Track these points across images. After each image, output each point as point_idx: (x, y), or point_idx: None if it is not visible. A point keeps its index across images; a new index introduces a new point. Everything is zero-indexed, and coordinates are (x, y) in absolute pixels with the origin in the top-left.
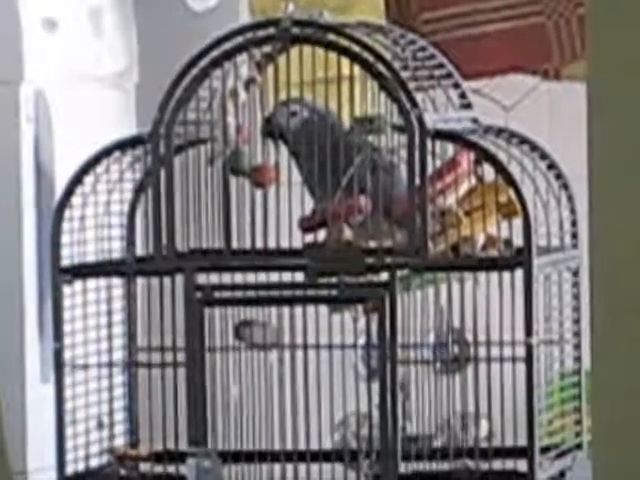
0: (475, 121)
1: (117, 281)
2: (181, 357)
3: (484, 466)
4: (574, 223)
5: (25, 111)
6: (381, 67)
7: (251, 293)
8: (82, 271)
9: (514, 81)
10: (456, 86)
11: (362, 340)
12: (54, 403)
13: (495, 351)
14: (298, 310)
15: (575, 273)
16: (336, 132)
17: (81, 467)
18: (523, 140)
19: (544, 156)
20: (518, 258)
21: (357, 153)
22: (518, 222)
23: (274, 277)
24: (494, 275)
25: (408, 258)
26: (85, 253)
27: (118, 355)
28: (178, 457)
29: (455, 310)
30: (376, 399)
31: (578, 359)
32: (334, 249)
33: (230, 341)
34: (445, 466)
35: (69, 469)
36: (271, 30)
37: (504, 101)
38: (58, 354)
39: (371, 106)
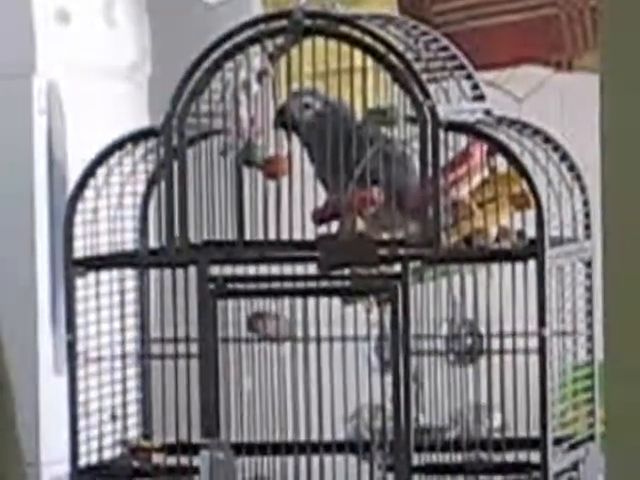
0: (488, 112)
1: (130, 273)
2: (194, 349)
3: (497, 458)
4: (587, 214)
5: (38, 103)
6: (394, 59)
7: (264, 285)
8: (95, 263)
9: (527, 72)
10: (469, 77)
11: (375, 332)
12: (67, 395)
13: (508, 342)
14: (311, 302)
15: (588, 264)
16: (349, 124)
17: (94, 459)
18: (536, 131)
19: (557, 147)
20: (531, 249)
21: (370, 145)
22: (531, 213)
23: (287, 269)
24: (507, 266)
25: (421, 250)
26: (98, 245)
27: (131, 347)
28: (191, 449)
29: (468, 302)
30: (389, 391)
31: (591, 351)
32: (347, 241)
33: (243, 333)
34: (458, 458)
35: (82, 461)
36: (283, 22)
37: (517, 92)
38: (71, 346)
39: (384, 98)
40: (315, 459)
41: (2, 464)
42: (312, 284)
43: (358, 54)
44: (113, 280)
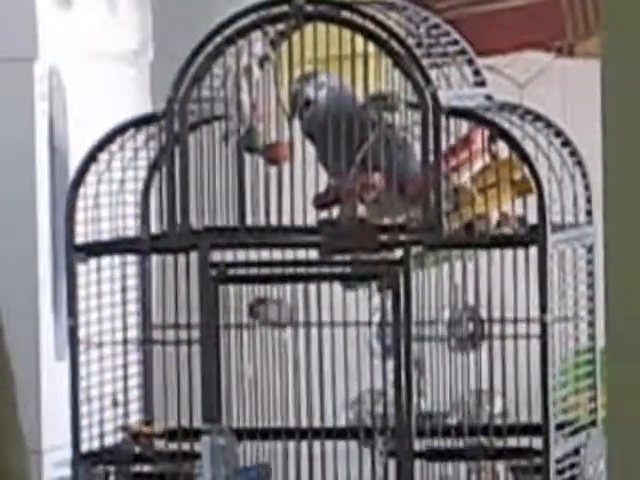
0: (489, 98)
1: (132, 259)
2: (196, 335)
3: (498, 443)
4: (588, 200)
5: (39, 89)
6: (395, 44)
7: (265, 270)
8: (97, 249)
9: (528, 58)
10: (470, 63)
11: (377, 317)
12: (69, 381)
13: (510, 328)
14: (312, 287)
15: (589, 250)
16: (351, 109)
17: (96, 445)
18: (537, 117)
19: (558, 133)
20: (532, 235)
21: (371, 130)
22: (532, 199)
23: (288, 254)
24: (508, 252)
25: (422, 235)
26: (100, 231)
27: (133, 333)
28: (193, 434)
29: (469, 287)
30: (391, 376)
31: (592, 336)
32: (348, 226)
33: (244, 319)
34: (460, 443)
35: (84, 447)
36: (285, 7)
37: (518, 78)
38: (73, 332)
39: (385, 83)
40: (317, 445)
41: (4, 450)
42: (313, 269)
43: (359, 40)
44: (115, 266)
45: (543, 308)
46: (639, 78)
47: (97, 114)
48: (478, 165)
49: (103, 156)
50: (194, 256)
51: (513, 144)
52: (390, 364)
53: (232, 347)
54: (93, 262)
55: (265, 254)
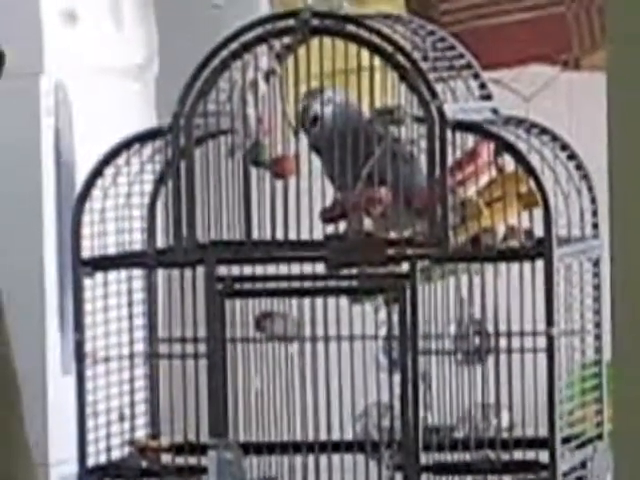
0: (495, 112)
1: (138, 273)
2: (202, 348)
3: (505, 457)
4: (595, 213)
5: (45, 103)
6: (401, 58)
7: (272, 284)
8: (103, 263)
9: (534, 71)
10: (476, 76)
11: (383, 331)
12: (75, 395)
13: (516, 342)
14: (319, 301)
15: (596, 263)
16: (357, 123)
17: (102, 459)
18: (543, 130)
19: (564, 146)
20: (539, 249)
21: (377, 144)
22: (539, 212)
23: (295, 268)
24: (515, 266)
25: (429, 249)
26: (106, 245)
27: (139, 347)
28: (199, 449)
29: (476, 301)
30: (397, 390)
31: (599, 350)
32: (355, 240)
33: (251, 333)
34: (466, 457)
35: (90, 461)
36: (291, 21)
37: (524, 91)
38: (79, 346)
39: (391, 97)
40: (323, 458)
41: (12, 465)
42: (320, 283)
43: (365, 54)
44: (121, 280)
45: (549, 321)
46: None
47: (103, 128)
48: (484, 179)
49: (109, 170)
50: (200, 270)
51: (519, 157)
52: (397, 378)
53: (239, 361)
54: (99, 276)
55: (271, 268)
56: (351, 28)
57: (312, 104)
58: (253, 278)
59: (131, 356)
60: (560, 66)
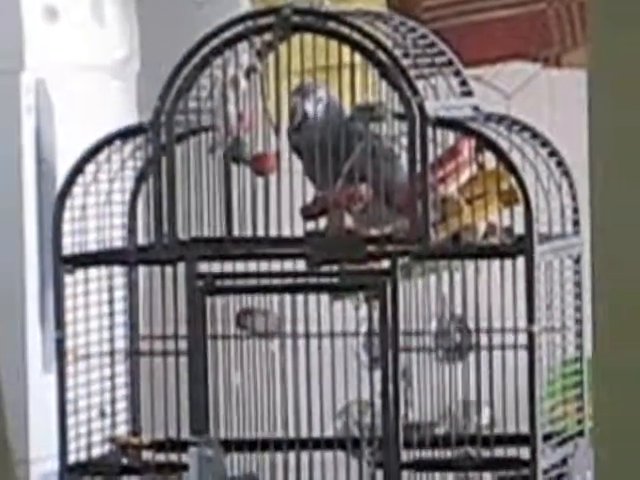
0: (476, 108)
1: (119, 270)
2: (183, 345)
3: (486, 453)
4: (575, 210)
5: (26, 100)
6: (382, 55)
7: (253, 281)
8: (84, 260)
9: (515, 68)
10: (457, 73)
11: (364, 328)
12: (56, 392)
13: (497, 339)
14: (300, 298)
15: (577, 260)
16: (338, 120)
17: (83, 456)
18: (524, 127)
19: (545, 143)
20: (519, 246)
21: (358, 141)
22: (519, 210)
23: (275, 265)
24: (495, 263)
25: (409, 246)
26: (86, 242)
27: (120, 344)
28: (180, 446)
29: (457, 298)
30: (378, 387)
31: (580, 346)
32: (335, 237)
33: (232, 329)
34: (447, 454)
35: (71, 458)
36: (272, 18)
37: (505, 88)
38: (60, 343)
39: (372, 94)
40: (304, 455)
41: None
42: (301, 280)
43: (346, 50)
44: (102, 277)
45: (530, 318)
46: (625, 88)
47: (84, 125)
48: (465, 176)
49: (90, 167)
50: (181, 267)
51: (500, 154)
52: (377, 374)
53: (219, 358)
54: (80, 273)
55: (252, 265)
56: (332, 25)
57: (304, 103)
58: (234, 275)
59: (112, 353)
60: (541, 63)
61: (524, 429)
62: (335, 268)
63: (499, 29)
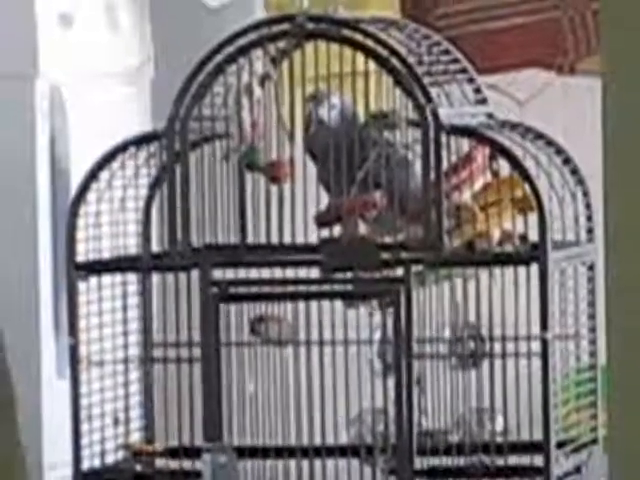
0: (490, 116)
1: (132, 277)
2: (197, 353)
3: (500, 461)
4: (589, 218)
5: (40, 106)
6: (396, 62)
7: (266, 288)
8: (97, 267)
9: (529, 76)
10: (471, 81)
11: (378, 335)
12: (70, 399)
13: (511, 346)
14: (313, 305)
15: (591, 268)
16: (353, 127)
17: (97, 463)
18: (538, 135)
19: (559, 151)
20: (533, 253)
21: (372, 148)
22: (533, 217)
23: (289, 272)
24: (509, 270)
25: (423, 253)
26: (100, 249)
27: (133, 351)
28: (194, 453)
29: (471, 305)
30: (392, 394)
31: (594, 354)
32: (349, 244)
33: (245, 337)
34: (461, 461)
35: (85, 465)
36: (286, 26)
37: (519, 96)
38: (74, 350)
39: (386, 101)
40: (318, 463)
41: (4, 466)
42: (315, 287)
43: (360, 58)
44: (115, 284)
45: (544, 326)
46: (639, 95)
47: (98, 132)
48: (479, 183)
49: (104, 174)
50: (195, 274)
51: (514, 162)
52: (391, 382)
53: (233, 365)
54: (94, 280)
55: (266, 272)
56: (346, 32)
57: (318, 109)
58: (248, 282)
59: (125, 360)
60: (555, 71)
61: (538, 437)
62: (349, 275)
63: (513, 37)
